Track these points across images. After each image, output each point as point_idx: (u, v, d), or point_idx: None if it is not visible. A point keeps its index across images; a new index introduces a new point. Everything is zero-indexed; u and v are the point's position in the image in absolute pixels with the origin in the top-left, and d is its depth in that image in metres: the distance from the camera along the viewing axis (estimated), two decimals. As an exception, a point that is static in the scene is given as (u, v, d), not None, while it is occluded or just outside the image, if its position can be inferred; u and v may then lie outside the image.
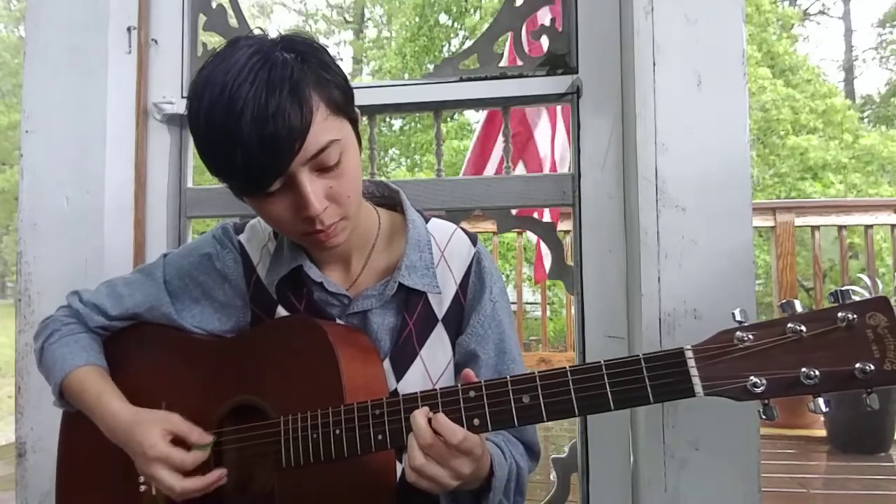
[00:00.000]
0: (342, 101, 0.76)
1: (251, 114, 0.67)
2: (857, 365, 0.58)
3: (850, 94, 15.92)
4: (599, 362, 0.66)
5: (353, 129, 0.79)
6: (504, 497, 0.79)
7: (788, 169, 9.93)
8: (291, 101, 0.69)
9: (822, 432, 2.77)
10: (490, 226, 3.09)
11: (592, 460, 1.22)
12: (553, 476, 1.33)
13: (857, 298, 0.61)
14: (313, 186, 0.73)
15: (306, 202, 0.73)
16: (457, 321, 0.88)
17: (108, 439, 0.85)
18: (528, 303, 7.68)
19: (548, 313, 5.04)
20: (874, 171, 9.94)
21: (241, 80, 0.68)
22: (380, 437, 0.72)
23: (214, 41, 1.47)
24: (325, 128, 0.72)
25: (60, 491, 0.96)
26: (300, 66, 0.71)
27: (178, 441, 0.81)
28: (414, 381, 0.85)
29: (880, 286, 2.39)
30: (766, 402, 0.62)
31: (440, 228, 0.92)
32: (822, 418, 2.79)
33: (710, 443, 1.03)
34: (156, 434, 0.80)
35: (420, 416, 0.69)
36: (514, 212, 1.38)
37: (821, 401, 0.60)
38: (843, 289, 0.61)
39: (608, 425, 1.21)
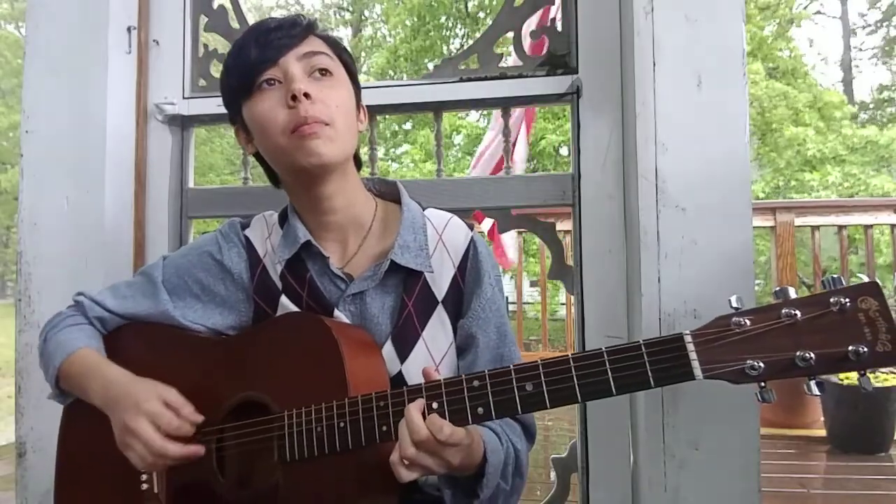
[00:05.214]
0: (349, 61, 0.92)
1: (271, 22, 0.86)
2: (851, 347, 0.60)
3: (847, 93, 15.94)
4: (601, 349, 0.67)
5: (352, 86, 0.91)
6: (502, 480, 0.81)
7: (785, 162, 10.00)
8: (301, 20, 0.88)
9: (822, 432, 2.77)
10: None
11: (592, 460, 1.22)
12: (553, 476, 1.33)
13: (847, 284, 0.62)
14: (301, 75, 0.84)
15: (291, 79, 0.83)
16: (456, 304, 0.90)
17: (108, 440, 0.85)
18: (526, 302, 7.67)
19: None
20: (872, 162, 10.02)
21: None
22: (384, 428, 0.73)
23: (215, 42, 1.48)
24: (321, 47, 0.88)
25: (59, 490, 0.96)
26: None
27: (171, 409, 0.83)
28: (417, 363, 0.86)
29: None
30: (763, 384, 0.64)
31: (436, 216, 0.95)
32: (822, 418, 2.79)
33: (710, 443, 1.03)
34: (152, 394, 0.83)
35: (415, 410, 0.70)
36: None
37: (813, 384, 0.62)
38: (835, 276, 0.63)
39: (608, 425, 1.21)
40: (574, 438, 1.30)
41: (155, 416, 0.81)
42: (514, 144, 3.13)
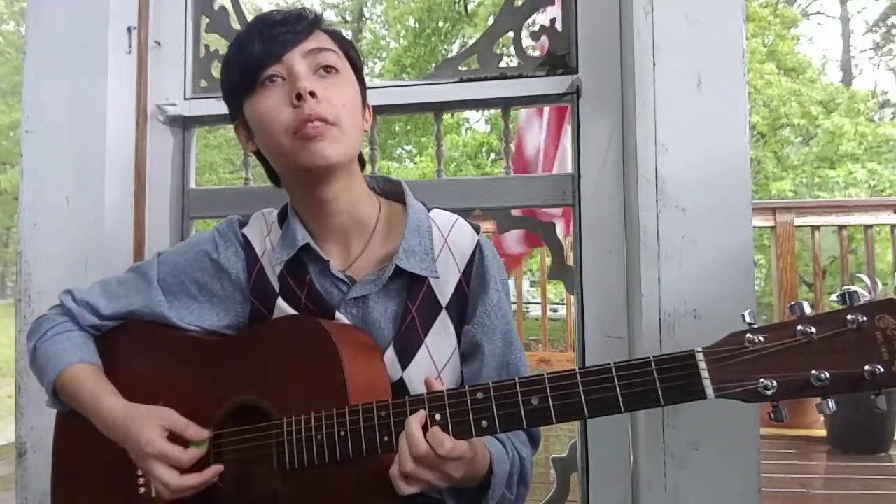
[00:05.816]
0: (355, 57, 0.89)
1: (276, 14, 0.83)
2: (867, 367, 0.58)
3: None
4: (609, 364, 0.65)
5: (358, 83, 0.88)
6: (507, 489, 0.80)
7: (801, 159, 9.98)
8: (307, 13, 0.85)
9: (822, 432, 2.77)
10: (490, 226, 3.07)
11: (592, 460, 1.22)
12: (553, 476, 1.33)
13: (864, 299, 0.60)
14: (306, 73, 0.82)
15: (296, 77, 0.80)
16: (461, 309, 0.88)
17: (105, 439, 0.85)
18: (528, 302, 7.67)
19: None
20: (892, 160, 9.99)
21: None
22: (385, 438, 0.72)
23: (216, 43, 1.48)
24: (327, 43, 0.85)
25: (56, 491, 0.95)
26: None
27: (175, 437, 0.81)
28: (419, 370, 0.84)
29: (879, 286, 2.40)
30: (776, 403, 0.62)
31: (442, 217, 0.92)
32: (822, 418, 2.79)
33: (710, 443, 1.03)
34: (153, 430, 0.80)
35: (416, 423, 0.68)
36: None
37: (830, 402, 0.60)
38: (852, 290, 0.61)
39: (608, 425, 1.21)
40: (574, 438, 1.30)
41: (164, 458, 0.79)
42: (557, 146, 3.10)
